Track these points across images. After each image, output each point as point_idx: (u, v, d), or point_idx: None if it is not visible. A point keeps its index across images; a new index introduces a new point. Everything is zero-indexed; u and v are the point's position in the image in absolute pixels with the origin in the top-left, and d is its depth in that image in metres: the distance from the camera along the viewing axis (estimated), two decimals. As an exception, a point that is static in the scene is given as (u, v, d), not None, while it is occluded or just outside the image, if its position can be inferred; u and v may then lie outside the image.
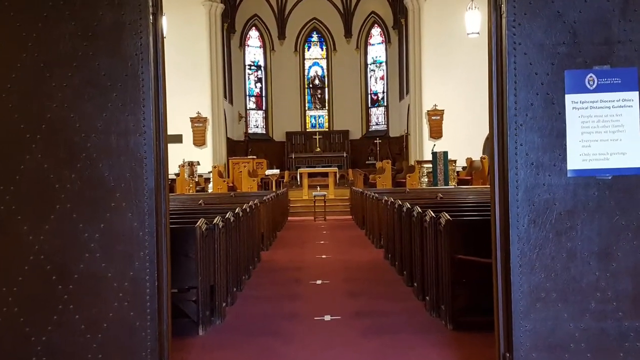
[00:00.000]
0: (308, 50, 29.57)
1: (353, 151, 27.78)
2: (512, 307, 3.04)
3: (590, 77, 3.03)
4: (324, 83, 29.53)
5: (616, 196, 3.03)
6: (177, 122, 19.27)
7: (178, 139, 19.91)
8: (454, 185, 16.29)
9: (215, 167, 18.49)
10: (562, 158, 3.03)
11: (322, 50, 29.52)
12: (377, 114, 28.94)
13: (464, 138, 19.46)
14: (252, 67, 28.57)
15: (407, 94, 23.78)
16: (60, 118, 3.05)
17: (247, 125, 27.51)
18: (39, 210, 3.05)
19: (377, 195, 10.55)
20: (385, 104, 28.58)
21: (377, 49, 28.74)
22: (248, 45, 28.31)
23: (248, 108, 28.19)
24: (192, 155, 18.56)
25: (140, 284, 3.07)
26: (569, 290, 3.03)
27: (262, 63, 28.80)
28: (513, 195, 3.05)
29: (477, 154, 18.76)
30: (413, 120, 21.99)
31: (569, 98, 3.03)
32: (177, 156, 16.80)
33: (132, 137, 3.07)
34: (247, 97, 28.31)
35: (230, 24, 25.90)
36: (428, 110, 20.84)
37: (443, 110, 20.70)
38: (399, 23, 25.86)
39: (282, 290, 6.78)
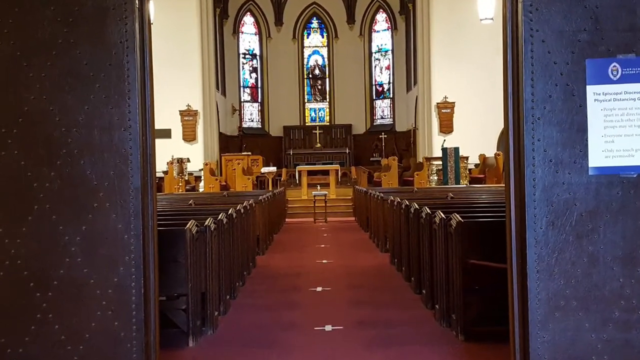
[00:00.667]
0: (307, 37, 29.59)
1: (356, 147, 27.81)
2: (529, 317, 3.04)
3: (614, 66, 3.03)
4: (325, 73, 29.55)
5: (642, 196, 3.03)
6: (165, 115, 19.27)
7: (166, 133, 19.94)
8: (466, 184, 16.31)
9: (206, 164, 18.50)
10: (583, 154, 3.03)
11: (323, 37, 29.53)
12: (382, 107, 28.95)
13: (477, 133, 19.47)
14: (247, 56, 28.58)
15: (414, 85, 23.79)
16: (38, 111, 3.05)
17: (241, 119, 27.53)
18: (15, 211, 3.05)
19: (382, 194, 10.56)
20: (391, 96, 28.59)
21: (382, 36, 28.74)
22: (242, 32, 28.31)
23: (242, 100, 28.21)
24: (181, 152, 18.59)
25: (125, 291, 3.07)
26: (590, 298, 3.03)
27: (257, 51, 28.81)
28: (530, 194, 3.04)
29: (490, 150, 18.77)
30: (421, 113, 22.01)
31: (591, 89, 3.03)
32: (165, 152, 16.83)
33: (117, 131, 3.07)
34: (242, 89, 28.32)
35: (222, 10, 25.90)
36: (438, 103, 20.85)
37: (454, 102, 20.72)
38: (406, 8, 25.87)
39: (279, 297, 6.79)
